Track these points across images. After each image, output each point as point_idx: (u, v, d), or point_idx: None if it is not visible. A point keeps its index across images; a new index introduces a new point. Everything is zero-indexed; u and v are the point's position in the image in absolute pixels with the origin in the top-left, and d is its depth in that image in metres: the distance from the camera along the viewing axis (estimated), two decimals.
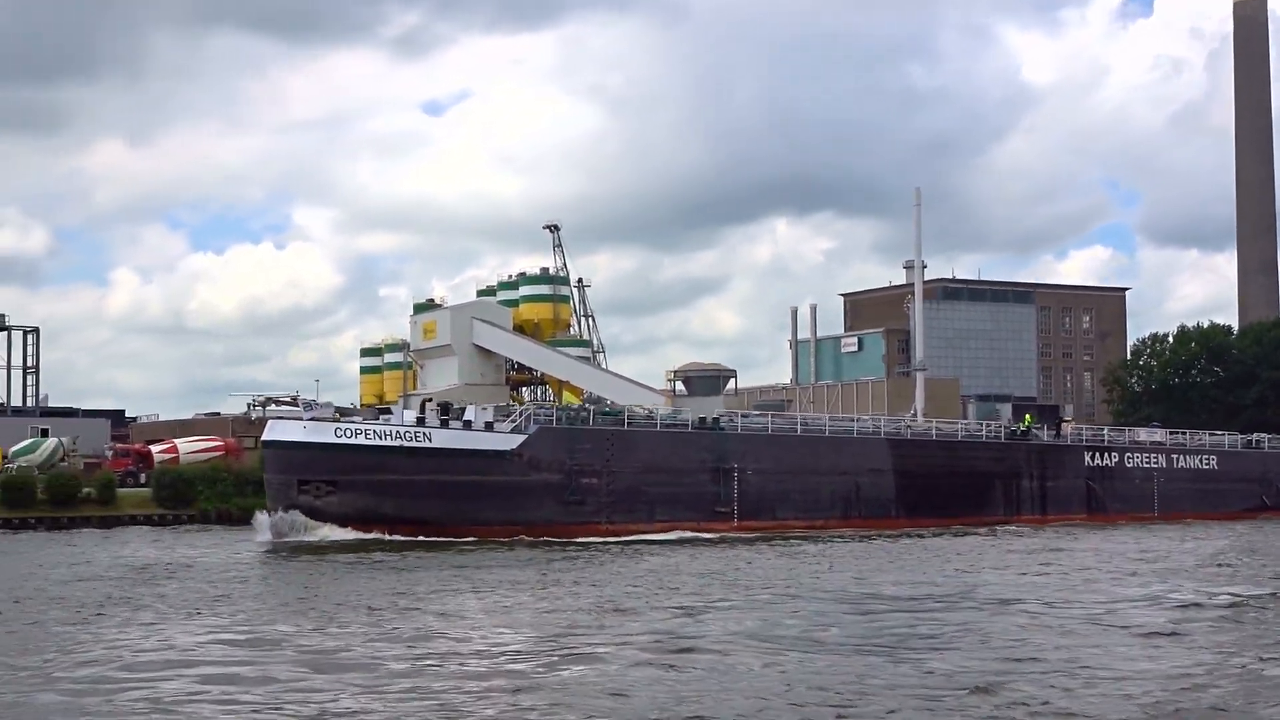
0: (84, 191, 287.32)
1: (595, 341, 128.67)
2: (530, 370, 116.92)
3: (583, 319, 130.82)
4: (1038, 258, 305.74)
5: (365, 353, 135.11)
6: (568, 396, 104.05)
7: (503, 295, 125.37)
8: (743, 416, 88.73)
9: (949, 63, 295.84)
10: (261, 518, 74.47)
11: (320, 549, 67.85)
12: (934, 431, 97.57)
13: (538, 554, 63.97)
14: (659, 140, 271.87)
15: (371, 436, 74.66)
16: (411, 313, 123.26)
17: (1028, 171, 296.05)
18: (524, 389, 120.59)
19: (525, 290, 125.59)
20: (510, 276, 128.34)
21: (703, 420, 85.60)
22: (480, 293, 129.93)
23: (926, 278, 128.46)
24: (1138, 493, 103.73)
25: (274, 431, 74.97)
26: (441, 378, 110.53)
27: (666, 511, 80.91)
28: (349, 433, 74.47)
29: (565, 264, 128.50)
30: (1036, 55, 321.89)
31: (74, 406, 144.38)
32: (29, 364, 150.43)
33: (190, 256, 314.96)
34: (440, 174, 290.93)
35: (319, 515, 73.84)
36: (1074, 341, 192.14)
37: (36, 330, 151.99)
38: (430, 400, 78.79)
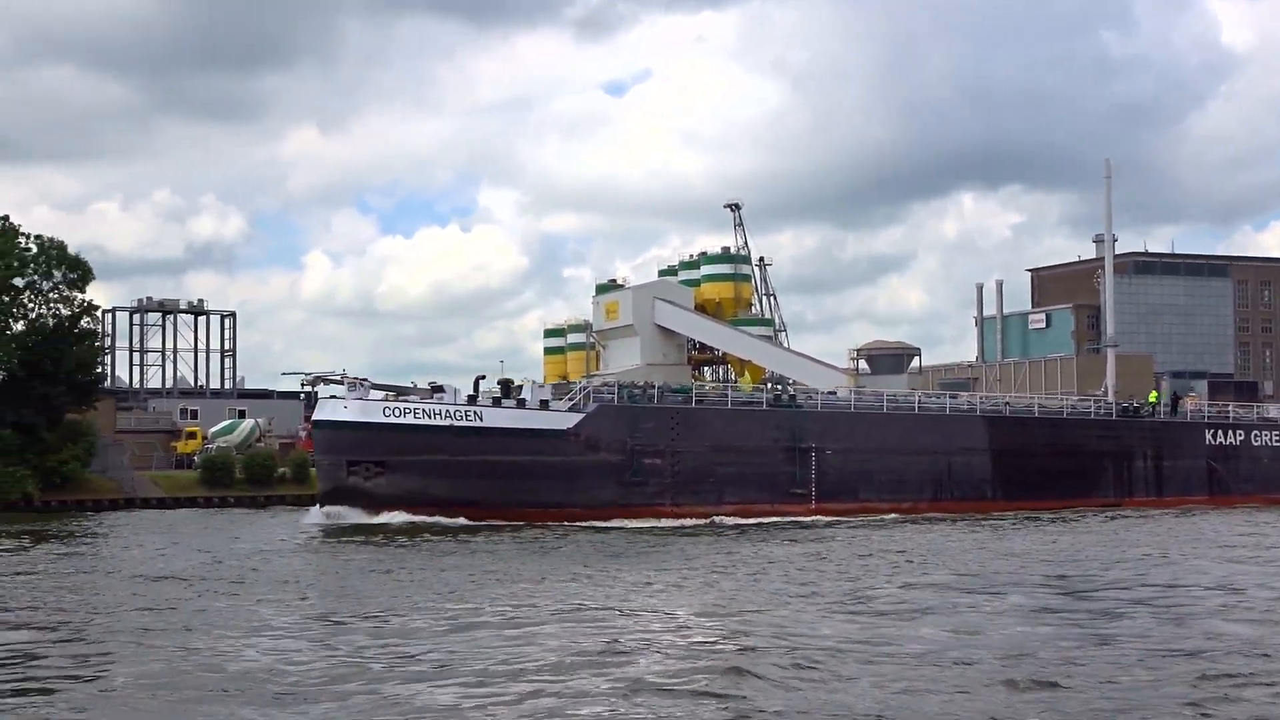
0: (278, 178, 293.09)
1: (777, 320, 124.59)
2: (712, 350, 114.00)
3: (764, 298, 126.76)
4: (1236, 228, 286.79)
5: (549, 333, 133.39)
6: (749, 376, 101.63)
7: (684, 275, 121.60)
8: (823, 394, 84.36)
9: (1145, 28, 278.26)
10: (315, 509, 72.33)
11: (379, 530, 65.68)
12: (1035, 409, 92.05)
13: (624, 539, 61.19)
14: (843, 115, 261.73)
15: (421, 416, 72.11)
16: (594, 293, 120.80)
17: (1227, 139, 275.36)
18: (705, 369, 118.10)
19: (707, 269, 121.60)
20: (692, 256, 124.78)
21: (777, 397, 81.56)
22: (662, 272, 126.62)
23: (1118, 252, 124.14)
24: (1266, 473, 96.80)
25: (324, 411, 72.82)
26: (624, 358, 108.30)
27: (737, 493, 77.10)
28: (398, 412, 72.01)
29: (747, 242, 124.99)
30: (1237, 18, 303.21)
31: (269, 388, 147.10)
32: (226, 347, 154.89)
33: (380, 240, 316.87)
34: (623, 154, 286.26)
35: (368, 498, 71.55)
36: (1274, 316, 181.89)
37: (234, 314, 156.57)
38: (484, 378, 75.89)
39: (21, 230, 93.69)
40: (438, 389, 74.31)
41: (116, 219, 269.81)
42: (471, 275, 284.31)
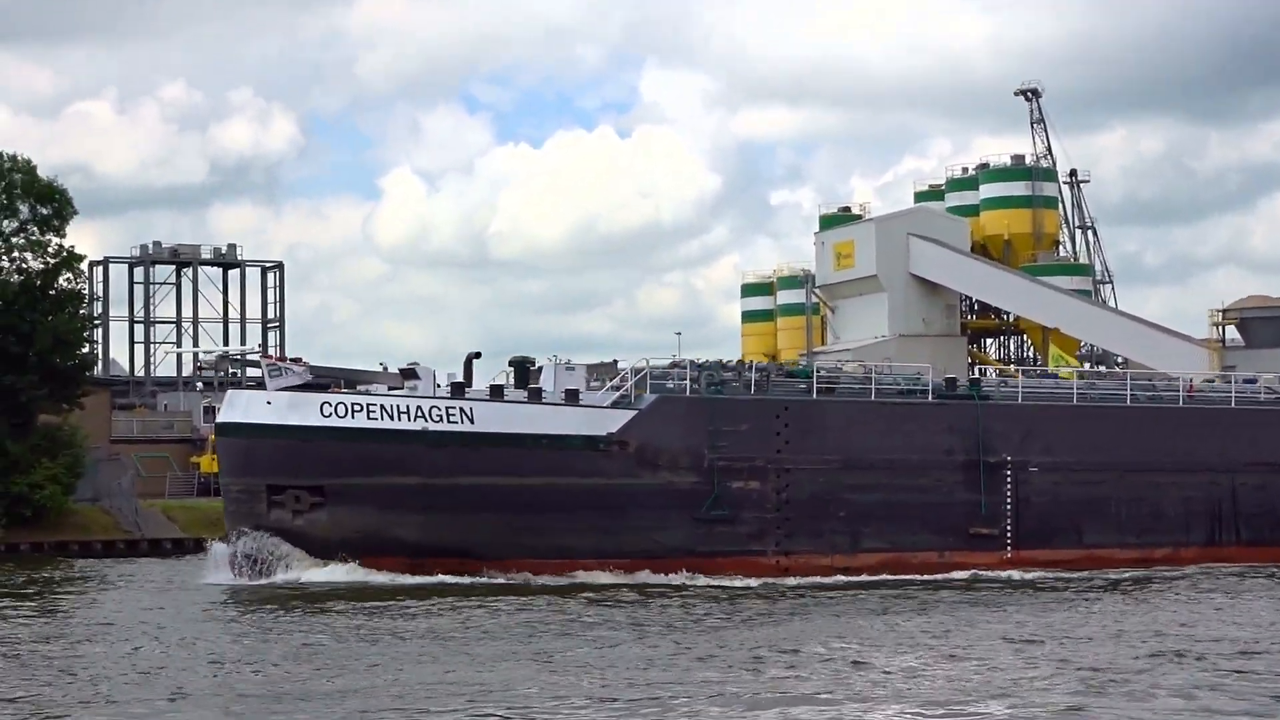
0: (344, 61, 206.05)
1: (1098, 267, 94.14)
2: (998, 313, 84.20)
3: (1077, 232, 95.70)
4: None
5: (749, 290, 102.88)
6: (1057, 350, 71.48)
7: (954, 199, 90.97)
8: (1023, 376, 56.30)
9: None
10: (219, 548, 48.21)
11: (307, 596, 43.35)
12: None
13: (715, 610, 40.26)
14: None
15: (380, 416, 47.23)
16: (817, 229, 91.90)
17: None
18: (987, 339, 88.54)
19: (989, 190, 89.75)
20: (967, 170, 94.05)
21: (951, 384, 53.86)
22: (920, 196, 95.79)
23: None
24: None
25: (232, 409, 48.56)
26: (863, 324, 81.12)
27: (882, 534, 51.10)
28: (345, 410, 47.22)
29: (1050, 149, 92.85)
30: None
31: (337, 366, 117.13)
32: (269, 315, 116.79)
33: (494, 152, 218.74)
34: (859, 17, 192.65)
35: (300, 541, 47.02)
36: None
37: (280, 266, 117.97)
38: (479, 356, 50.33)
39: None
40: (410, 375, 49.16)
41: (108, 127, 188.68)
42: (632, 204, 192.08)
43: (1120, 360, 73.84)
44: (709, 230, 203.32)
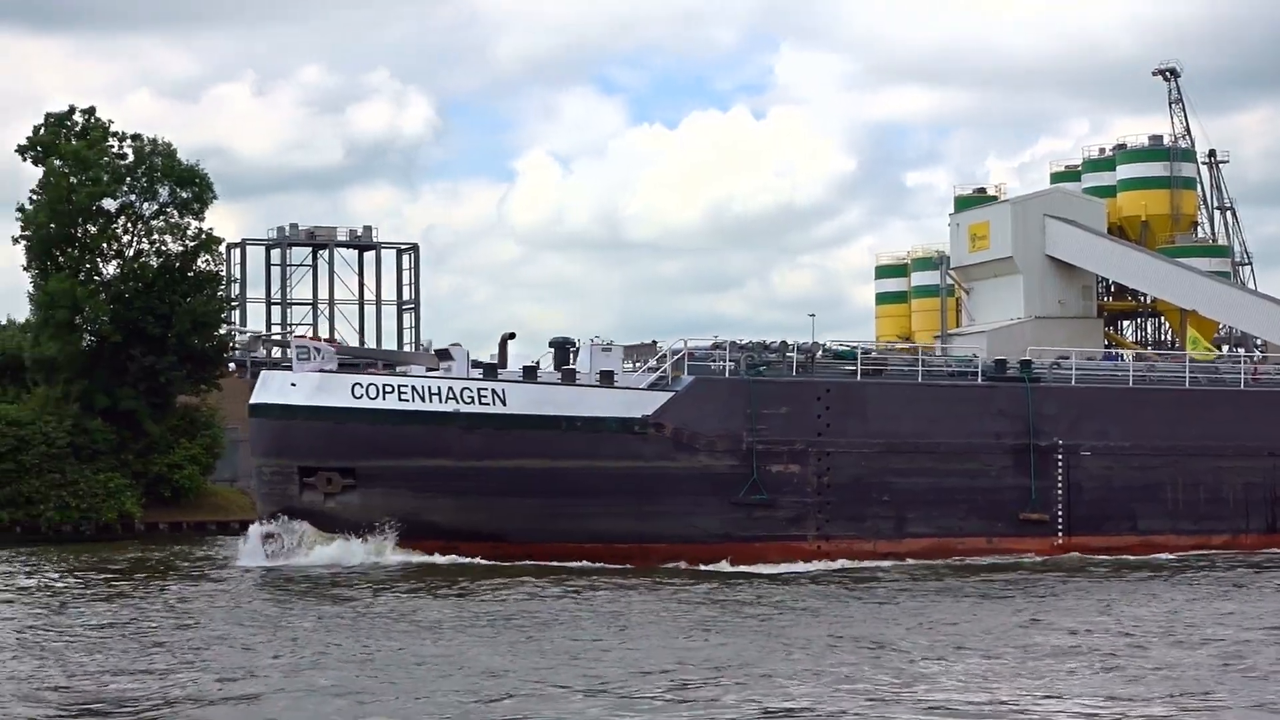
0: (480, 44, 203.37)
1: (1237, 248, 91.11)
2: (1135, 294, 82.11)
3: (1216, 213, 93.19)
4: None
5: (883, 272, 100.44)
6: (1193, 334, 69.58)
7: (1091, 180, 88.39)
8: (1078, 360, 54.40)
9: None
10: (254, 529, 47.51)
11: (341, 580, 42.34)
12: None
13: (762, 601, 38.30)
14: None
15: (411, 398, 46.29)
16: (952, 210, 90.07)
17: None
18: (1124, 322, 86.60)
19: (1126, 171, 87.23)
20: (1104, 151, 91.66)
21: (1001, 365, 52.13)
22: (1057, 177, 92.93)
23: None
24: None
25: (265, 391, 47.78)
26: (998, 306, 78.29)
27: (928, 518, 49.32)
28: (376, 392, 46.35)
29: (1189, 129, 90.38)
30: None
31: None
32: (405, 297, 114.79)
33: (629, 133, 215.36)
34: None
35: (331, 524, 46.27)
36: None
37: (415, 248, 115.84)
38: (514, 337, 49.25)
39: (113, 129, 67.55)
40: (445, 356, 48.20)
41: (246, 110, 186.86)
42: (767, 185, 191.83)
43: (1260, 343, 71.42)
44: (844, 212, 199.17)
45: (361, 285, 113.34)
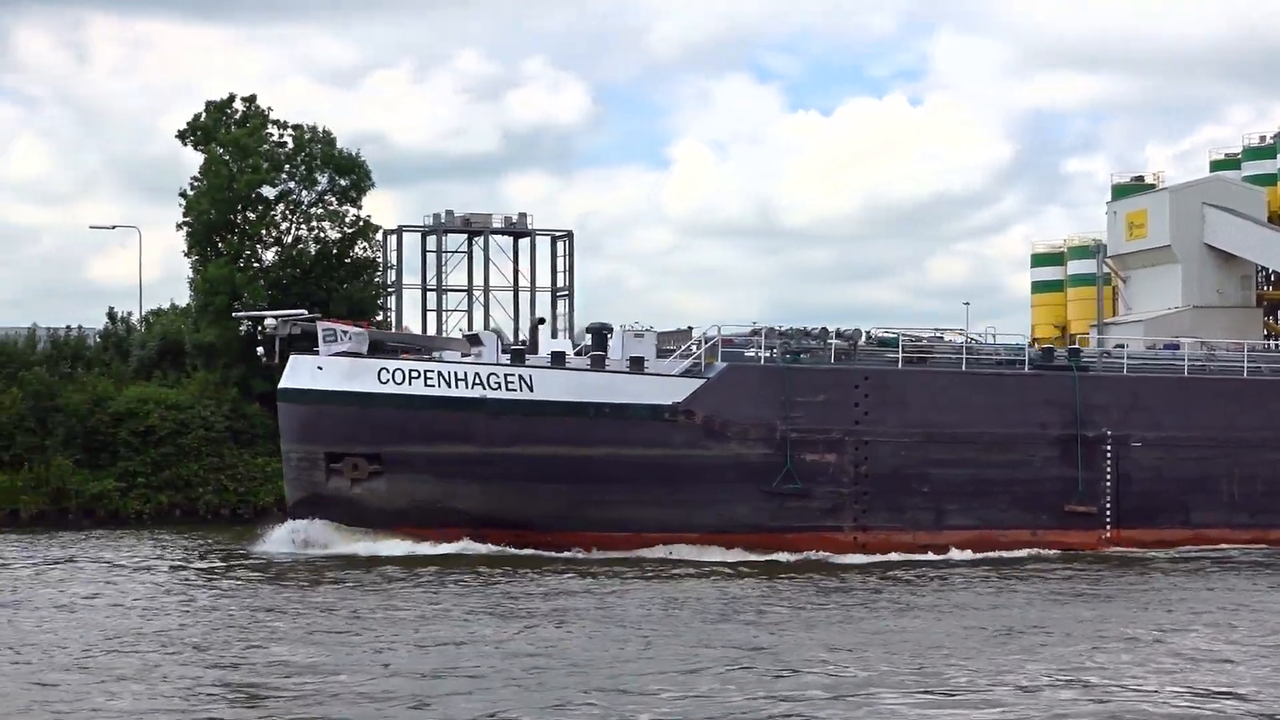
0: (636, 30, 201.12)
1: None
2: None
3: None
4: None
5: (1039, 260, 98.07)
6: None
7: (1251, 168, 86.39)
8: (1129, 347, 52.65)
9: None
10: (282, 531, 47.08)
11: (365, 563, 42.24)
12: None
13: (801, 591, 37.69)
14: None
15: (436, 383, 45.56)
16: (1109, 199, 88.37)
17: None
18: None
19: None
20: (1264, 139, 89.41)
21: (1048, 354, 50.45)
22: (1216, 165, 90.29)
23: None
24: None
25: (293, 375, 47.24)
26: (1155, 295, 76.78)
27: (969, 509, 47.72)
28: (402, 377, 45.68)
29: None
30: None
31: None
32: (559, 283, 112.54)
33: (784, 120, 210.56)
34: None
35: (357, 512, 45.73)
36: None
37: (569, 234, 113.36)
38: (544, 322, 48.42)
39: (273, 117, 68.32)
40: (475, 341, 47.45)
41: (403, 96, 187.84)
42: (922, 173, 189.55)
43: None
44: (1000, 199, 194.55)
45: (516, 272, 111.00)
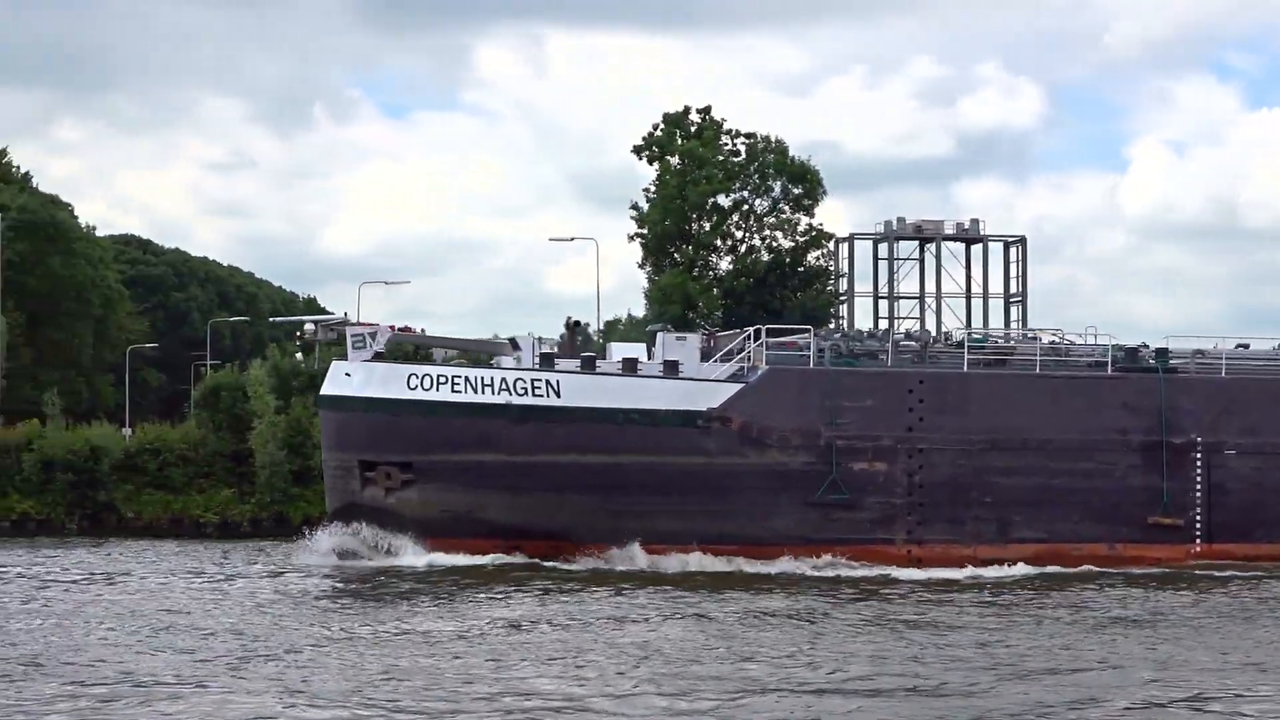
0: (1094, 30, 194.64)
1: None
2: None
3: None
4: None
5: None
6: None
7: None
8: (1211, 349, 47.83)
9: None
10: (320, 540, 45.81)
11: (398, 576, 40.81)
12: None
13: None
14: None
15: (464, 389, 43.93)
16: None
17: None
18: None
19: None
20: None
21: (1131, 354, 46.21)
22: None
23: None
24: None
25: (331, 381, 46.14)
26: None
27: (1037, 524, 43.88)
28: (430, 383, 44.15)
29: None
30: None
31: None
32: (1011, 290, 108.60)
33: (1245, 120, 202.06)
34: None
35: (390, 521, 44.30)
36: None
37: (1022, 240, 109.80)
38: (579, 324, 46.40)
39: (727, 128, 70.26)
40: (515, 346, 45.74)
41: (856, 103, 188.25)
42: None
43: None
44: None
45: (968, 278, 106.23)
